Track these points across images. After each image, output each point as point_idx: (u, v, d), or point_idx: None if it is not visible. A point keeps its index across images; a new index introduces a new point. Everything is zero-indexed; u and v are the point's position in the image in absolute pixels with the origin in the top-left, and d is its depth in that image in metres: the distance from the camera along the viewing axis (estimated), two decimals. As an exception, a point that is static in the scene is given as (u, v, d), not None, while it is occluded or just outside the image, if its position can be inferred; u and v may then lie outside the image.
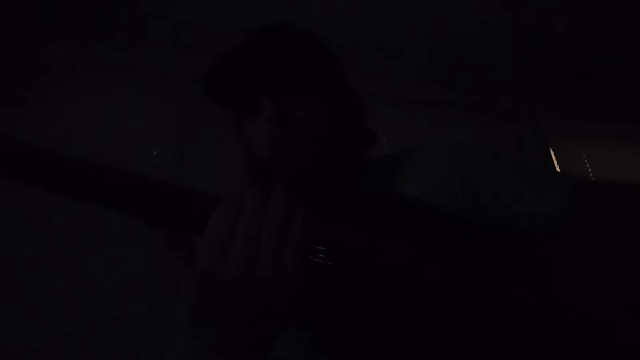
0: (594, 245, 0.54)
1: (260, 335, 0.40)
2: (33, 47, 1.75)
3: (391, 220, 0.47)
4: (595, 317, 0.46)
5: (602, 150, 2.10)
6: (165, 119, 1.74)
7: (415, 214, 0.49)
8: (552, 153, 2.02)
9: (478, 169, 0.63)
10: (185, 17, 1.92)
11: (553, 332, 0.43)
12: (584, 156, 2.07)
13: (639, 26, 2.00)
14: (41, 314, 1.32)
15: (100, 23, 1.85)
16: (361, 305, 0.41)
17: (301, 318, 0.42)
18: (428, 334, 0.40)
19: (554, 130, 2.09)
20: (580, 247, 0.54)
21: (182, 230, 0.43)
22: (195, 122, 1.75)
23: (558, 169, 1.98)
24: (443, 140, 0.69)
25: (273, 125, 0.61)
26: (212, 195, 0.43)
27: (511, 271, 0.46)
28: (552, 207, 0.58)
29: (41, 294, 1.34)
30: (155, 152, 1.67)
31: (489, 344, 0.42)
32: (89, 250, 1.43)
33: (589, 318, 0.46)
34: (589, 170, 2.03)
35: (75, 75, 1.76)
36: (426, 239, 0.46)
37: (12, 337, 1.28)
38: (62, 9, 1.83)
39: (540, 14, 1.96)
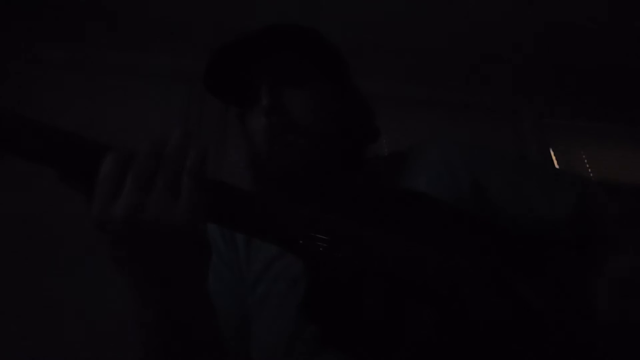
0: (599, 246, 0.54)
1: (180, 267, 0.40)
2: (32, 47, 1.75)
3: (396, 213, 0.47)
4: (600, 316, 0.46)
5: (602, 150, 2.10)
6: (165, 119, 1.74)
7: (422, 207, 0.49)
8: (552, 153, 2.02)
9: (486, 168, 0.63)
10: (185, 17, 1.92)
11: (556, 331, 0.43)
12: (584, 156, 2.07)
13: (639, 26, 2.00)
14: (40, 314, 1.32)
15: (100, 23, 1.85)
16: (367, 299, 0.41)
17: (310, 311, 0.42)
18: (434, 333, 0.40)
19: (554, 130, 2.09)
20: (585, 247, 0.54)
21: (77, 174, 0.41)
22: (195, 122, 1.74)
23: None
24: (450, 139, 0.69)
25: (269, 116, 0.61)
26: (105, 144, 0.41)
27: (517, 269, 0.46)
28: (559, 210, 0.58)
29: (41, 294, 1.34)
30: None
31: (491, 341, 0.42)
32: (88, 250, 1.43)
33: (593, 317, 0.46)
34: (589, 170, 2.03)
35: (74, 75, 1.76)
36: (432, 234, 0.46)
37: (11, 337, 1.27)
38: (62, 8, 1.83)
39: (540, 14, 1.97)
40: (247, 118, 0.68)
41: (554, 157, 2.01)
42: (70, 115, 1.63)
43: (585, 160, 2.06)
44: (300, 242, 0.41)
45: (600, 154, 2.08)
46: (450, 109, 2.03)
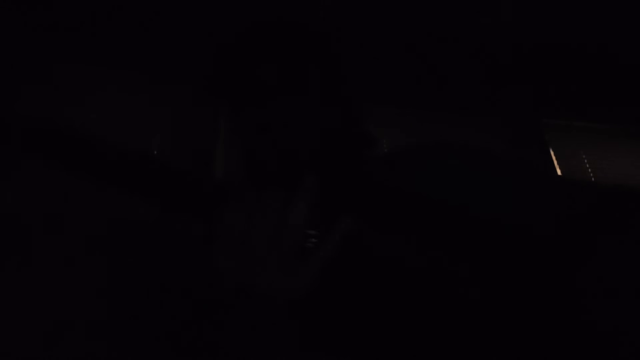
0: (594, 247, 0.54)
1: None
2: (30, 47, 1.75)
3: (390, 212, 0.47)
4: (597, 316, 0.46)
5: (602, 150, 2.10)
6: (164, 119, 1.74)
7: (415, 208, 0.49)
8: (552, 153, 2.02)
9: (478, 173, 0.63)
10: (184, 17, 1.92)
11: (550, 329, 0.43)
12: (583, 156, 2.07)
13: (639, 26, 2.00)
14: (40, 313, 1.32)
15: (98, 23, 1.85)
16: (355, 298, 0.41)
17: (292, 308, 0.42)
18: (425, 336, 0.40)
19: (554, 130, 2.09)
20: (580, 248, 0.54)
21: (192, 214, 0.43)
22: (195, 122, 1.74)
23: (558, 169, 1.98)
24: (448, 142, 0.69)
25: (269, 126, 0.61)
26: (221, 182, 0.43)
27: (511, 268, 0.46)
28: (550, 222, 0.58)
29: (41, 294, 1.34)
30: (155, 153, 1.67)
31: (485, 339, 0.42)
32: (88, 251, 1.43)
33: (589, 317, 0.46)
34: (589, 170, 2.03)
35: (73, 76, 1.76)
36: (425, 233, 0.46)
37: (10, 337, 1.27)
38: (61, 8, 1.83)
39: (540, 14, 1.97)
40: (243, 116, 0.67)
41: (554, 158, 2.01)
42: (69, 115, 1.63)
43: (586, 161, 2.06)
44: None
45: (601, 155, 2.08)
46: (449, 109, 2.03)
